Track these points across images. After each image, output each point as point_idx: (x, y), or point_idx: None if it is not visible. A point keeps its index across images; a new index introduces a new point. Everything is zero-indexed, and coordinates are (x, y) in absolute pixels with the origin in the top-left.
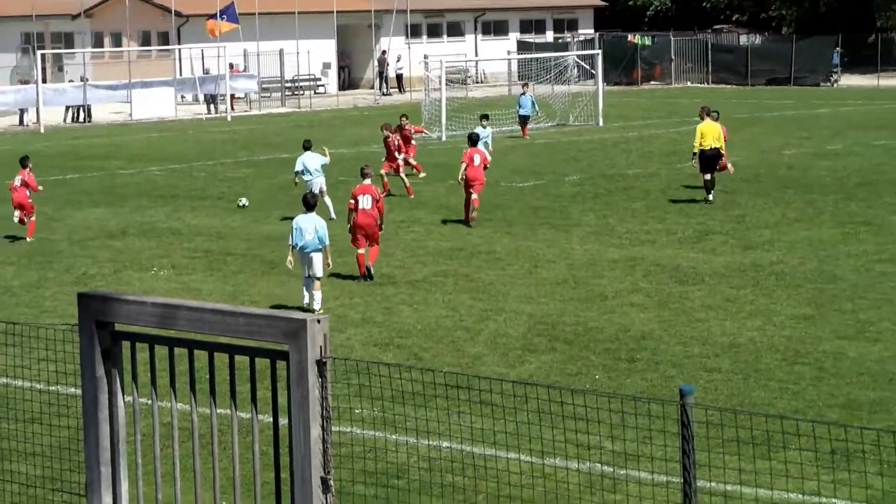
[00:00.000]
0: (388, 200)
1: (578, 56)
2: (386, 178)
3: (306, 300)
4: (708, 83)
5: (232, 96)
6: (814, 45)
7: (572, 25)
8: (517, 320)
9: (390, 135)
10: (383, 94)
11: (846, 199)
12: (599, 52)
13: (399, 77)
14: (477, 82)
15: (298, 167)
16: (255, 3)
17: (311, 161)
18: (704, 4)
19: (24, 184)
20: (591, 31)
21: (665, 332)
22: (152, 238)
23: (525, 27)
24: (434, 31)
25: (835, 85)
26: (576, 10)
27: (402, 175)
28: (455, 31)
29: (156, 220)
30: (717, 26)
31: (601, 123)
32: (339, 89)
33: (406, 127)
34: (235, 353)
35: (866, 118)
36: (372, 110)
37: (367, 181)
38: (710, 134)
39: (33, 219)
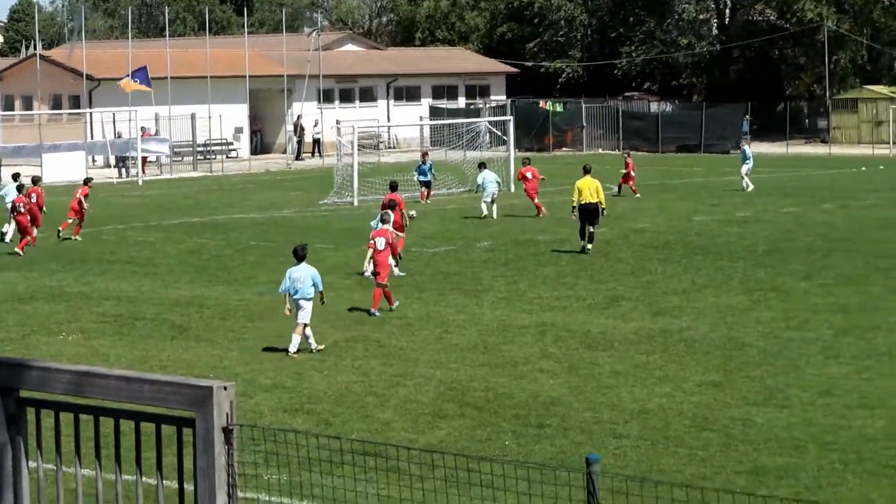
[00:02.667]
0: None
1: (490, 122)
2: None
3: (292, 349)
4: (619, 150)
5: (143, 160)
6: (723, 113)
7: (484, 91)
8: (427, 386)
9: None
10: (296, 159)
11: (755, 266)
12: (511, 118)
13: (317, 142)
14: (389, 147)
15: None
16: (167, 67)
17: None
18: (616, 72)
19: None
20: (503, 97)
21: (574, 398)
22: (61, 302)
23: (437, 93)
24: (346, 97)
25: None
26: (487, 76)
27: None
28: (367, 96)
29: (65, 284)
30: (629, 93)
31: (513, 189)
32: (252, 154)
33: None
34: (141, 419)
35: (775, 185)
36: (284, 175)
37: (387, 226)
38: (586, 188)
39: None
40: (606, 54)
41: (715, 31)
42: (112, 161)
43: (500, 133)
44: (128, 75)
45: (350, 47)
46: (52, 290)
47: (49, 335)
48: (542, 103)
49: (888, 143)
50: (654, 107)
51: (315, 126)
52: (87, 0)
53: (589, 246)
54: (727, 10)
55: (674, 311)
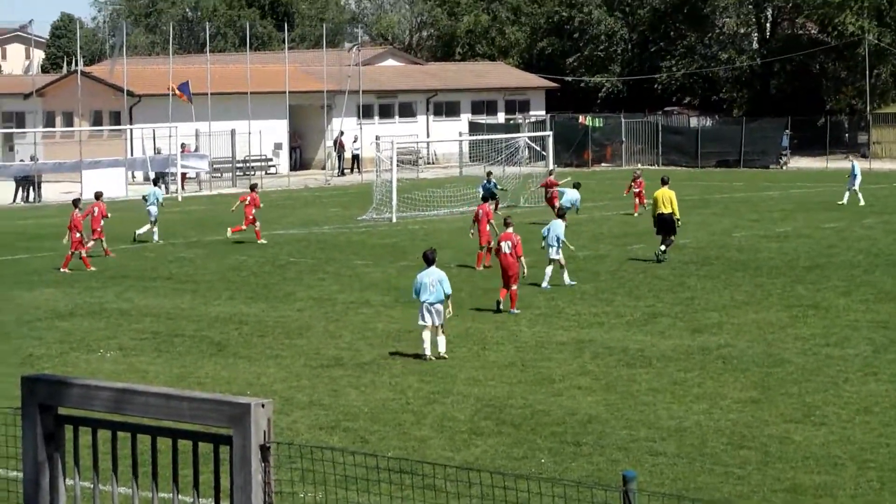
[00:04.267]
0: (338, 280)
1: (529, 137)
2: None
3: (428, 351)
4: (658, 165)
5: (183, 176)
6: (764, 128)
7: (524, 107)
8: (464, 403)
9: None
10: (340, 174)
11: (794, 282)
12: (550, 133)
13: (356, 157)
14: (428, 163)
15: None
16: (207, 83)
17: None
18: (656, 87)
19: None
20: (543, 112)
21: (612, 416)
22: (101, 319)
23: (477, 108)
24: (386, 112)
25: (784, 167)
26: (527, 91)
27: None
28: (407, 111)
29: (105, 300)
30: (668, 108)
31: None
32: (291, 169)
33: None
34: (179, 437)
35: (815, 201)
36: (323, 191)
37: (510, 230)
38: (660, 199)
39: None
40: (646, 69)
41: (755, 46)
42: (152, 177)
43: (539, 148)
44: (170, 88)
45: (390, 62)
46: (91, 307)
47: (88, 352)
48: (581, 118)
49: None
50: (693, 121)
51: (354, 142)
52: (129, 16)
53: (662, 247)
54: (768, 25)
55: (712, 328)
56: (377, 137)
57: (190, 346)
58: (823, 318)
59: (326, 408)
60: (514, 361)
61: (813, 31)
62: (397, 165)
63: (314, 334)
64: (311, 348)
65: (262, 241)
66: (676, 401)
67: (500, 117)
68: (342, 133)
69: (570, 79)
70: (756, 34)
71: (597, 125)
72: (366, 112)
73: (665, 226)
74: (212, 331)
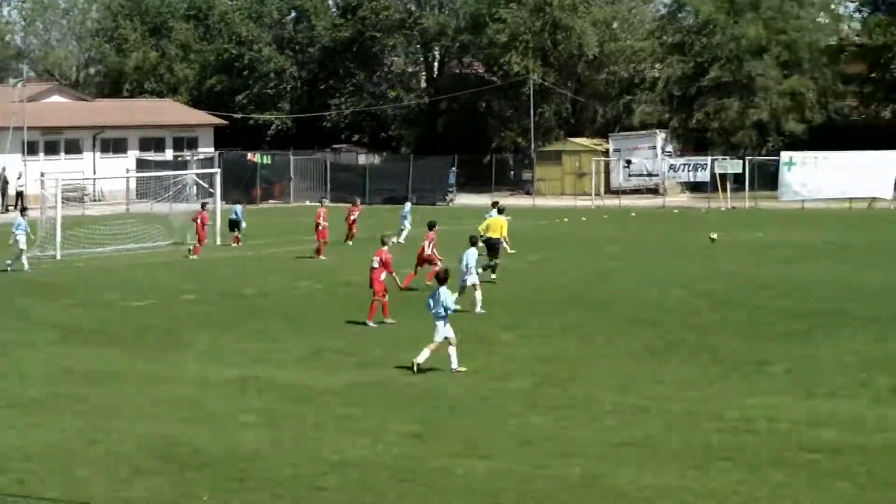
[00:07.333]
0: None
1: (197, 174)
2: None
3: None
4: (328, 202)
5: None
6: (431, 165)
7: (192, 144)
8: (127, 441)
9: None
10: (4, 211)
11: (459, 317)
12: (218, 170)
13: (20, 194)
14: (95, 200)
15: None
16: None
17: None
18: (325, 124)
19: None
20: (212, 149)
21: (276, 452)
22: None
23: (145, 145)
24: (52, 149)
25: (451, 203)
26: (196, 128)
27: None
28: (73, 148)
29: None
30: (337, 146)
31: (218, 242)
32: None
33: None
34: None
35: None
36: None
37: (385, 248)
38: (493, 226)
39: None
40: (316, 106)
41: (424, 84)
42: None
43: (206, 185)
44: None
45: (56, 98)
46: None
47: None
48: (250, 155)
49: (590, 194)
50: (362, 158)
51: (18, 178)
52: None
53: (493, 276)
54: (436, 64)
55: (378, 363)
56: (42, 174)
57: None
58: (487, 353)
59: None
60: (179, 399)
61: (480, 71)
62: (63, 202)
63: None
64: None
65: (322, 257)
66: (340, 435)
67: (169, 154)
68: (5, 169)
69: (238, 116)
70: (424, 73)
71: (265, 162)
72: (31, 148)
73: (492, 249)
74: None
